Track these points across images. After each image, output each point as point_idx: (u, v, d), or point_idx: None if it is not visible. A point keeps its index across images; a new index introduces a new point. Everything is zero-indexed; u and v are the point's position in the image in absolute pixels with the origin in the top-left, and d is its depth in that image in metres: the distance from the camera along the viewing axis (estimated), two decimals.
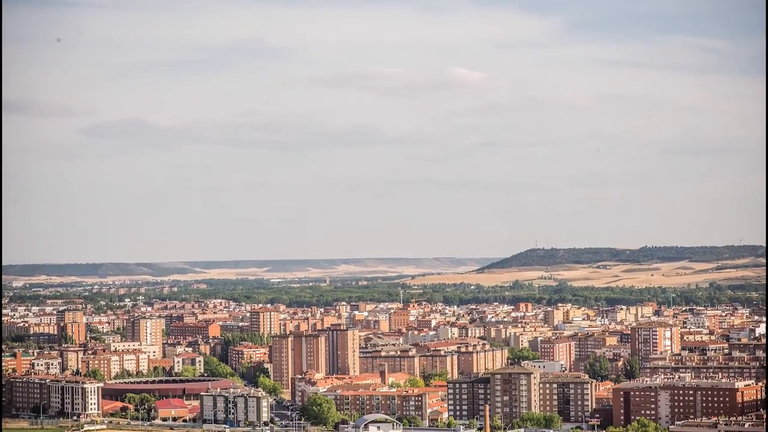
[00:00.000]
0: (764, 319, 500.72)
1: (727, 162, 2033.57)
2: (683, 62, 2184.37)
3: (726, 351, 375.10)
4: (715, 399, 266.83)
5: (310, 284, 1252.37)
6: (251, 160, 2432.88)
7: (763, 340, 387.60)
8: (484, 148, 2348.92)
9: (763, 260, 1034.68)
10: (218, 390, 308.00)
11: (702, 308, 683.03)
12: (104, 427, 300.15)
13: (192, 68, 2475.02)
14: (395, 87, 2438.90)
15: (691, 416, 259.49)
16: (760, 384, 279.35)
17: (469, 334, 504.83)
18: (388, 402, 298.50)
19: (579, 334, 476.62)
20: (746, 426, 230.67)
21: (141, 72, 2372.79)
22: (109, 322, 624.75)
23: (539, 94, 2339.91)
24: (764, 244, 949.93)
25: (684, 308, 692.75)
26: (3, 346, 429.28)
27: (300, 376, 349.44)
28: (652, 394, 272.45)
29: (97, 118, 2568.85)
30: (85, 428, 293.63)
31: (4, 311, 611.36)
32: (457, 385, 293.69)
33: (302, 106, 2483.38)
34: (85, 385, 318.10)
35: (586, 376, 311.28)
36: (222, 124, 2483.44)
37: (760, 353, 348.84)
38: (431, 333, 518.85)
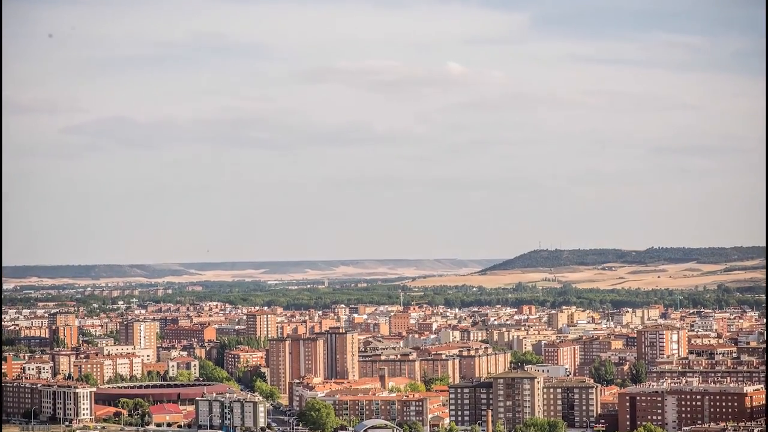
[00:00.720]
0: None
1: (733, 161, 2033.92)
2: (662, 59, 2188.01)
3: (734, 355, 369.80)
4: (723, 404, 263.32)
5: (308, 286, 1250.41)
6: (246, 159, 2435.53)
7: None
8: (481, 146, 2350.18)
9: None
10: (214, 395, 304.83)
11: (710, 311, 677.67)
12: None
13: (182, 65, 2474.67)
14: (378, 82, 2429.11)
15: (699, 422, 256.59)
16: None
17: (471, 338, 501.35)
18: (388, 407, 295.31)
19: (584, 337, 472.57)
20: (755, 431, 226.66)
21: (127, 69, 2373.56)
22: (102, 325, 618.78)
23: (528, 91, 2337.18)
24: None
25: (691, 311, 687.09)
26: None
27: (298, 381, 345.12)
28: (659, 398, 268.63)
29: (87, 116, 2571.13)
30: None
31: None
32: (459, 390, 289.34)
33: (291, 103, 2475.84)
34: (77, 390, 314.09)
35: (591, 381, 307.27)
36: (213, 122, 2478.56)
37: None
38: (432, 336, 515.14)
